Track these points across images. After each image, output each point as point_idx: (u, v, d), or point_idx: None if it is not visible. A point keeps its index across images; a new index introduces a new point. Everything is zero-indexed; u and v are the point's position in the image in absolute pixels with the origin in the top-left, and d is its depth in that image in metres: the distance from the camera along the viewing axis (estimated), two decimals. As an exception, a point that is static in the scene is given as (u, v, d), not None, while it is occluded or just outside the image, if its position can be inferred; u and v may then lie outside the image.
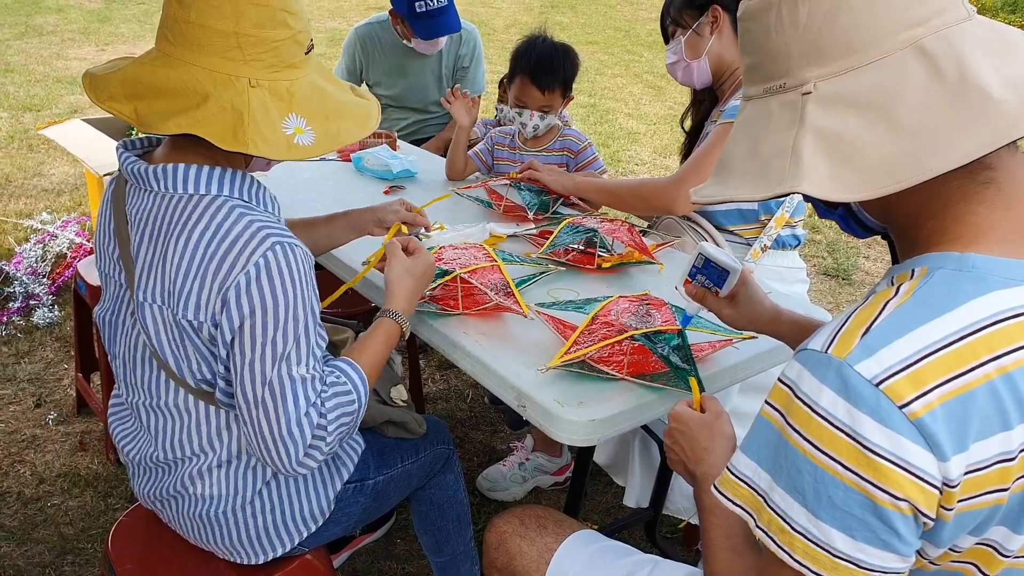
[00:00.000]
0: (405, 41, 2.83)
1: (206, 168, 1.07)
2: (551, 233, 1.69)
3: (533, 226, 1.84)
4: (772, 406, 0.73)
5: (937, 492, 0.66)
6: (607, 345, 1.20)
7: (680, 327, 1.24)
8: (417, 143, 2.83)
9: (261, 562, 1.24)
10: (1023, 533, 0.70)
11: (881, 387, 0.65)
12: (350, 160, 2.32)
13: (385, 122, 3.07)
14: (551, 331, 1.35)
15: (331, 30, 10.99)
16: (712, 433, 0.99)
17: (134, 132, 3.53)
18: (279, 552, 1.24)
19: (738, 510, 0.76)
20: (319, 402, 1.08)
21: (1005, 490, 0.67)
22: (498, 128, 2.28)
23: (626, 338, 1.21)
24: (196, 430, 1.14)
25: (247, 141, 1.01)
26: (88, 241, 3.63)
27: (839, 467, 0.66)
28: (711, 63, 1.78)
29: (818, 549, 0.68)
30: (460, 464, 1.62)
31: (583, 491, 1.54)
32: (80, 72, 6.92)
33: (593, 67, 8.92)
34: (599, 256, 1.66)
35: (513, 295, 1.39)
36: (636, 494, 1.90)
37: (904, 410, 0.64)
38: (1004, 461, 0.66)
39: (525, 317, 1.36)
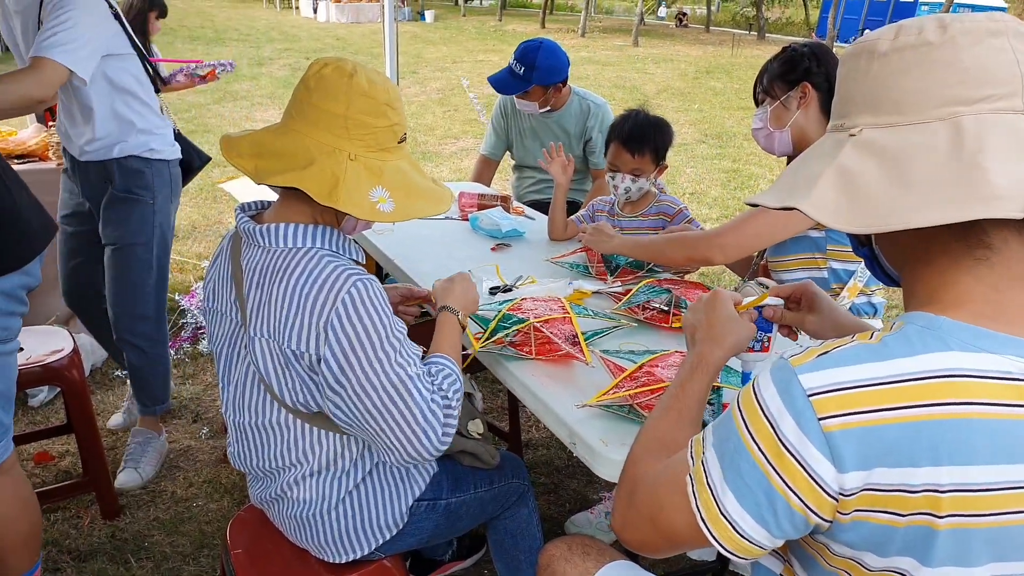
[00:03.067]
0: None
1: (302, 226, 1.32)
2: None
3: (619, 285, 1.99)
4: (745, 390, 0.85)
5: (833, 499, 0.76)
6: (644, 392, 1.32)
7: (719, 383, 1.34)
8: (539, 203, 3.02)
9: (344, 561, 1.44)
10: (931, 567, 0.77)
11: (811, 398, 0.76)
12: (467, 220, 2.57)
13: (515, 181, 3.32)
14: (610, 376, 1.48)
15: (489, 97, 11.65)
16: (735, 331, 1.09)
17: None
18: (359, 554, 1.43)
19: (688, 452, 0.89)
20: (435, 387, 1.32)
21: (901, 515, 0.75)
22: (600, 197, 2.45)
23: (660, 388, 1.32)
24: (294, 444, 1.38)
25: (338, 199, 1.25)
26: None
27: (755, 447, 0.79)
28: (793, 135, 1.87)
29: (713, 503, 0.82)
30: (535, 501, 1.77)
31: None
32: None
33: (741, 132, 8.92)
34: (674, 315, 1.77)
35: (579, 344, 1.54)
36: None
37: (822, 422, 0.75)
38: (904, 491, 0.74)
39: (587, 364, 1.51)
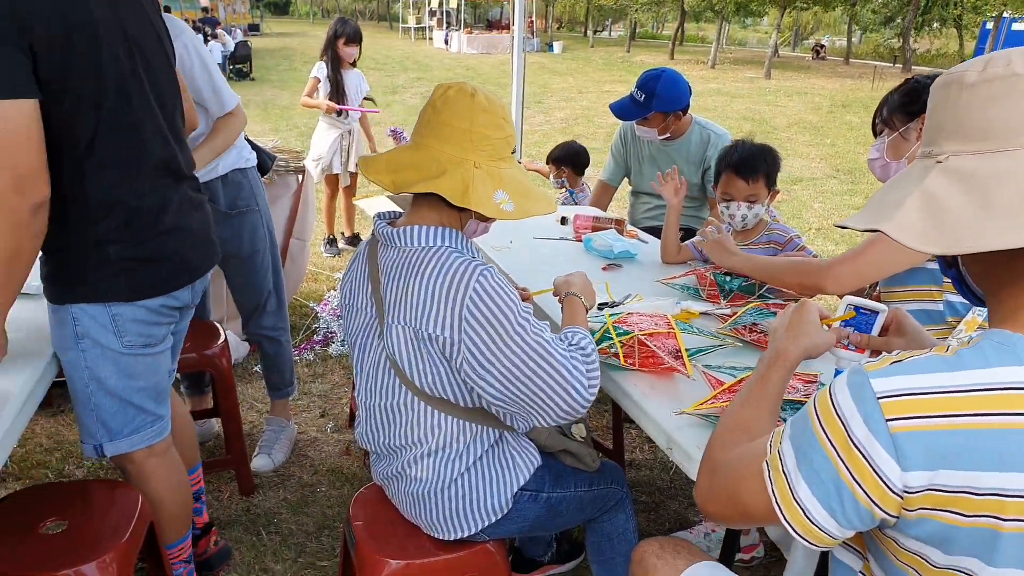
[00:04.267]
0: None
1: (432, 228, 1.50)
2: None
3: (728, 308, 2.04)
4: (822, 390, 0.92)
5: (897, 496, 0.82)
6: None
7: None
8: (654, 229, 3.08)
9: (451, 539, 1.58)
10: (995, 567, 0.80)
11: (881, 401, 0.83)
12: (581, 240, 2.69)
13: (632, 206, 3.41)
14: (709, 389, 1.55)
15: (612, 125, 11.80)
16: (813, 335, 1.21)
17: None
18: (466, 534, 1.56)
19: (767, 441, 0.98)
20: (572, 347, 1.47)
21: (965, 516, 0.79)
22: (714, 221, 2.51)
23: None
24: (417, 424, 1.53)
25: (470, 201, 1.43)
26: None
27: (828, 442, 0.87)
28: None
29: (788, 489, 0.90)
30: (633, 509, 1.84)
31: (736, 543, 1.67)
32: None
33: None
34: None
35: (682, 358, 1.62)
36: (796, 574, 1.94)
37: (889, 424, 0.82)
38: (969, 493, 0.78)
39: (688, 377, 1.58)
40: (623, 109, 3.01)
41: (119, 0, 1.56)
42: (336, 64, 4.79)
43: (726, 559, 1.68)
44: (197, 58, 2.26)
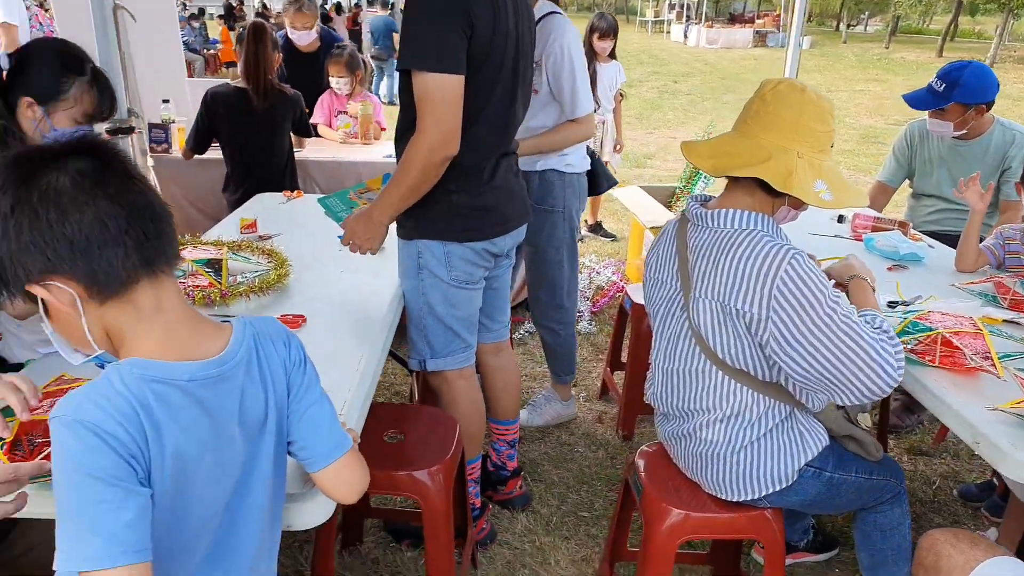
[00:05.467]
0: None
1: (745, 212, 1.60)
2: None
3: (1034, 316, 1.95)
4: None
5: None
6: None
7: None
8: (934, 234, 2.95)
9: (732, 500, 1.69)
10: None
11: None
12: (861, 240, 2.65)
13: (911, 208, 3.26)
14: (1020, 391, 1.52)
15: (866, 127, 11.07)
16: None
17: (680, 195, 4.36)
18: (747, 497, 1.67)
19: None
20: (877, 330, 1.53)
21: None
22: (1008, 225, 2.37)
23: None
24: (712, 391, 1.66)
25: (792, 187, 1.52)
26: (621, 280, 4.59)
27: None
28: None
29: None
30: (908, 506, 1.84)
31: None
32: (632, 149, 8.31)
33: None
34: (1099, 352, 1.71)
35: (991, 359, 1.60)
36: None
37: None
38: None
39: (999, 378, 1.56)
40: (919, 100, 2.89)
41: (520, 15, 1.95)
42: (591, 58, 4.97)
43: None
44: (568, 61, 2.53)
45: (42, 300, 0.92)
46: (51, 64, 1.80)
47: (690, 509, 1.73)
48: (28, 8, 4.87)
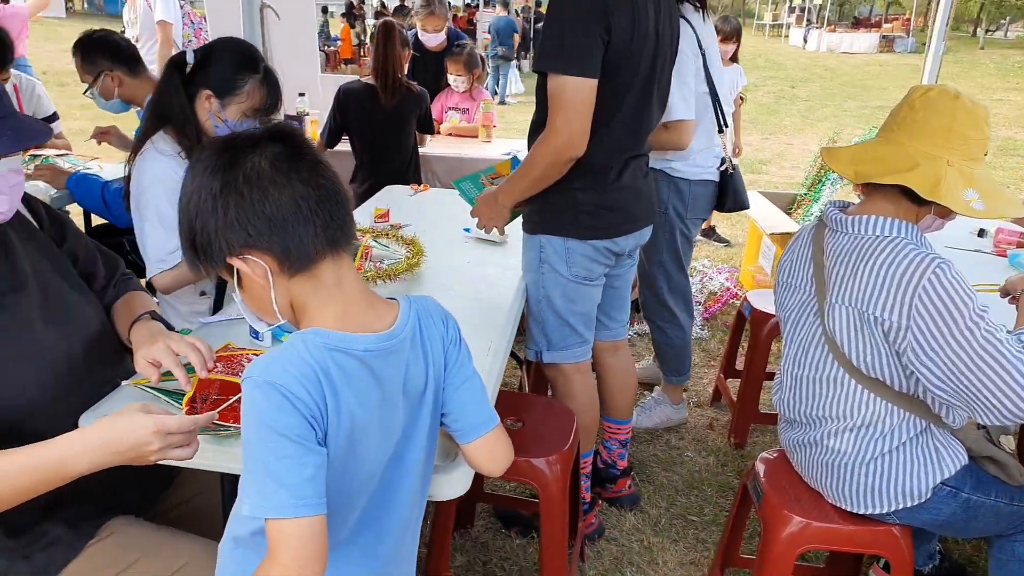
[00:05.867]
0: None
1: (890, 220, 1.56)
2: None
3: None
4: None
5: None
6: None
7: None
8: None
9: (858, 512, 1.66)
10: None
11: None
12: (1005, 256, 2.52)
13: None
14: None
15: (1004, 139, 10.42)
16: None
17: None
18: (874, 511, 1.63)
19: None
20: (1022, 348, 1.46)
21: None
22: None
23: None
24: (843, 400, 1.63)
25: (940, 195, 1.48)
26: (735, 286, 4.50)
27: None
28: None
29: None
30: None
31: None
32: (747, 155, 8.12)
33: None
34: None
35: None
36: None
37: None
38: None
39: None
40: None
41: (661, 16, 1.94)
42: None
43: None
44: (683, 64, 2.49)
45: (237, 272, 1.02)
46: (231, 61, 1.95)
47: (811, 518, 1.70)
48: (182, 7, 5.24)
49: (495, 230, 2.14)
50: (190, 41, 5.30)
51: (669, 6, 2.02)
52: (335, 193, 1.01)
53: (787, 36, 30.62)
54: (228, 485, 1.48)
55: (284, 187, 0.96)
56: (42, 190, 2.81)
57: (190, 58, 1.94)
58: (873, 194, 1.63)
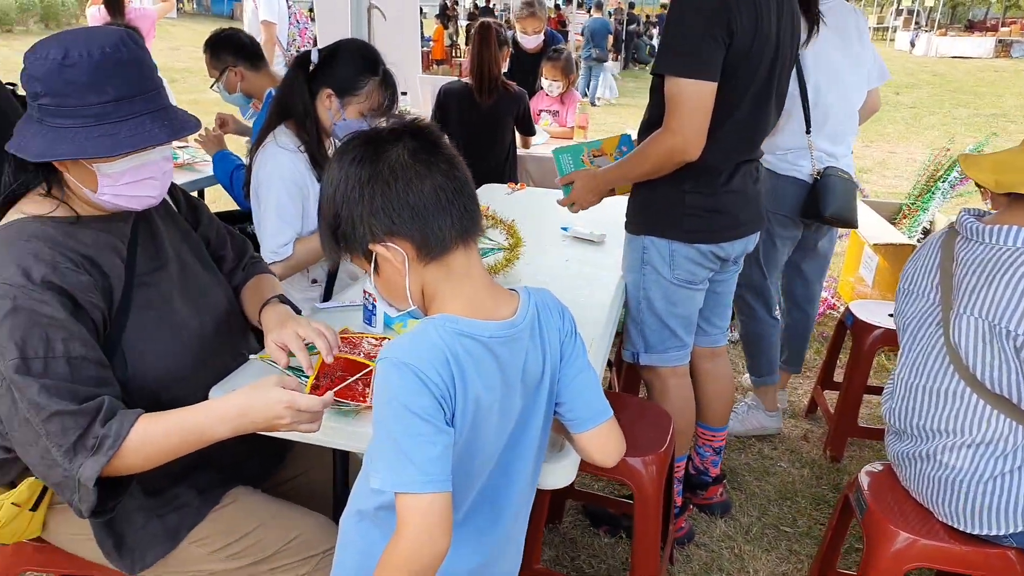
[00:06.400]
0: None
1: None
2: None
3: None
4: None
5: None
6: None
7: None
8: None
9: (972, 533, 1.59)
10: None
11: None
12: None
13: None
14: None
15: None
16: None
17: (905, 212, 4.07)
18: (989, 532, 1.57)
19: None
20: None
21: None
22: None
23: None
24: (961, 415, 1.57)
25: None
26: (832, 296, 4.36)
27: None
28: None
29: None
30: None
31: None
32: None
33: None
34: None
35: None
36: None
37: None
38: None
39: None
40: None
41: (783, 17, 1.91)
42: None
43: None
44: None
45: (375, 258, 1.07)
46: (353, 63, 2.03)
47: (919, 535, 1.65)
48: (289, 7, 5.45)
49: (593, 230, 2.16)
50: (294, 40, 5.50)
51: (791, 7, 1.98)
52: (468, 186, 1.06)
53: (893, 40, 29.33)
54: (340, 462, 1.56)
55: (426, 178, 1.01)
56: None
57: (315, 57, 2.03)
58: (1014, 204, 1.57)
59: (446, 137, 1.09)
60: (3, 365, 1.17)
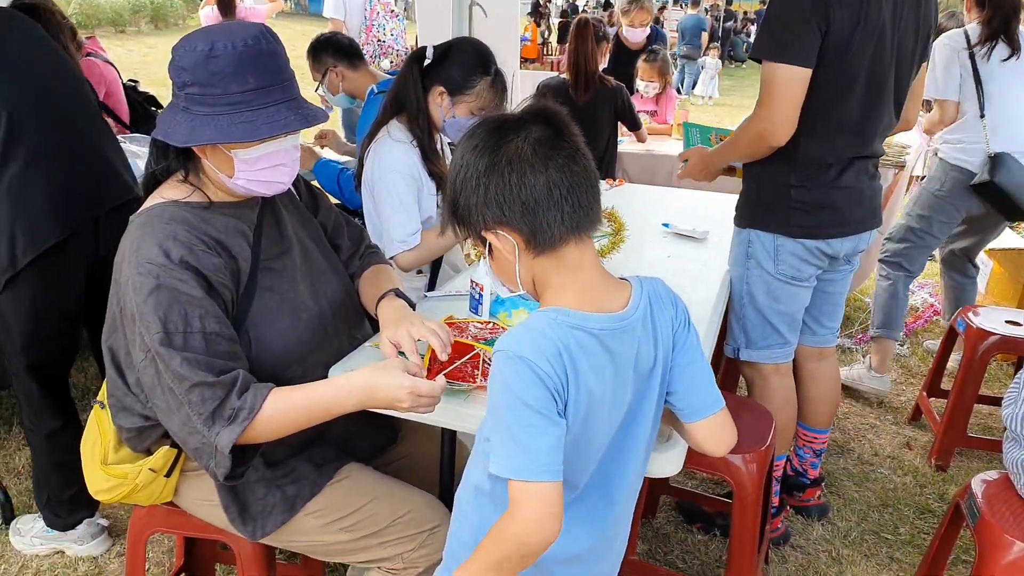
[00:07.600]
0: None
1: None
2: None
3: None
4: None
5: None
6: None
7: None
8: None
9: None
10: None
11: None
12: None
13: None
14: None
15: None
16: None
17: None
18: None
19: None
20: None
21: None
22: None
23: None
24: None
25: None
26: (939, 303, 4.17)
27: None
28: None
29: None
30: None
31: None
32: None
33: None
34: None
35: None
36: None
37: None
38: None
39: None
40: None
41: (906, 12, 1.87)
42: None
43: None
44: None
45: (489, 243, 1.12)
46: (467, 62, 2.06)
47: (1038, 548, 1.58)
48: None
49: (695, 227, 2.16)
50: (361, 35, 5.23)
51: (925, 4, 1.93)
52: (586, 179, 1.08)
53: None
54: (448, 442, 1.62)
55: (540, 173, 1.04)
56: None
57: (429, 53, 2.09)
58: None
59: (574, 126, 1.10)
60: (148, 338, 1.27)
